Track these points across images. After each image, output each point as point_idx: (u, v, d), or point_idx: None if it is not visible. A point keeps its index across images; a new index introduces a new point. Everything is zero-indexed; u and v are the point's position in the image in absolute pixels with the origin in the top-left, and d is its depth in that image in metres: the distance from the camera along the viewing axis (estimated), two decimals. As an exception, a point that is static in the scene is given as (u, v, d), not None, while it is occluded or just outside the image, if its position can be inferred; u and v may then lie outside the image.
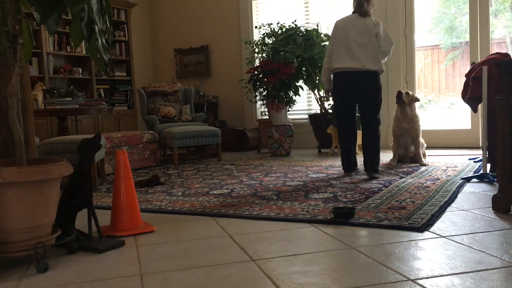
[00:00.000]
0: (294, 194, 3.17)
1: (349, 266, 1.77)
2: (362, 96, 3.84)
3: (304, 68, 5.86)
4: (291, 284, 1.61)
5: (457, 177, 3.60)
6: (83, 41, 1.90)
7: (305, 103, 6.81)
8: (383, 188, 3.25)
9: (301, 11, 6.76)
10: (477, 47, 5.55)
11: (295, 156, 5.66)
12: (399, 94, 4.41)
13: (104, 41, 1.96)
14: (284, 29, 5.99)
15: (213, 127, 5.67)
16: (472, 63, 4.04)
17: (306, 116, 6.47)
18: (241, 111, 7.25)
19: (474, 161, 4.45)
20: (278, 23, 6.12)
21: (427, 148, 5.03)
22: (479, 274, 1.62)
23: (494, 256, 1.80)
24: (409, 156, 4.54)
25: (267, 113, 6.54)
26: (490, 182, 3.35)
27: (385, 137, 5.98)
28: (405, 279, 1.61)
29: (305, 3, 6.75)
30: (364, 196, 3.02)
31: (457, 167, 4.14)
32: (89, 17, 1.88)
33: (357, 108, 3.99)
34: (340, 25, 3.91)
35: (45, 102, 4.99)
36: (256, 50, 6.30)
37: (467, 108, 4.80)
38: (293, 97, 5.95)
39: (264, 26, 6.23)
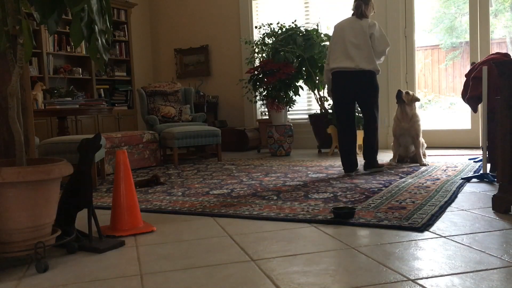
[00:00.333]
0: (294, 194, 3.17)
1: (349, 266, 1.77)
2: (359, 95, 4.01)
3: (304, 68, 5.86)
4: (291, 284, 1.61)
5: (457, 177, 3.60)
6: (83, 41, 1.89)
7: (305, 103, 6.81)
8: (383, 188, 3.25)
9: (301, 11, 6.76)
10: (477, 47, 5.55)
11: (295, 156, 5.66)
12: (399, 93, 4.41)
13: (104, 41, 1.96)
14: (284, 29, 5.99)
15: (213, 127, 5.67)
16: (472, 63, 4.04)
17: (306, 116, 6.48)
18: (241, 111, 7.25)
19: (474, 161, 4.45)
20: (278, 23, 6.12)
21: (427, 148, 5.03)
22: (479, 274, 1.62)
23: (494, 256, 1.80)
24: (409, 156, 4.54)
25: (267, 113, 6.54)
26: (490, 182, 3.35)
27: (385, 137, 5.98)
28: (405, 279, 1.61)
29: (305, 3, 6.75)
30: (364, 196, 3.02)
31: (457, 167, 4.14)
32: (89, 17, 1.88)
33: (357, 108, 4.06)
34: (339, 28, 4.08)
35: (45, 102, 4.99)
36: (256, 50, 6.30)
37: (467, 108, 4.80)
38: (293, 97, 5.95)
39: (264, 26, 6.23)
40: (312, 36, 5.78)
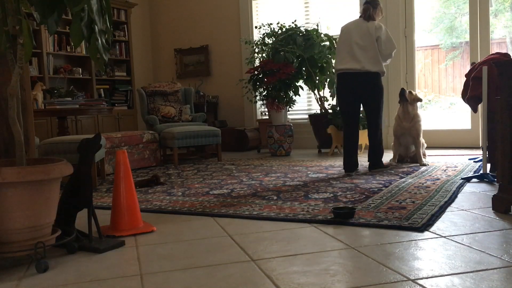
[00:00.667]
0: (294, 194, 3.17)
1: (349, 266, 1.77)
2: (364, 96, 4.03)
3: (304, 68, 5.86)
4: (291, 284, 1.61)
5: (457, 177, 3.60)
6: (83, 41, 1.89)
7: (305, 103, 6.81)
8: (383, 188, 3.25)
9: (301, 11, 6.76)
10: (477, 47, 5.55)
11: (295, 156, 5.66)
12: (402, 91, 4.40)
13: (104, 41, 1.96)
14: (284, 29, 5.99)
15: (213, 127, 5.67)
16: (472, 63, 4.04)
17: (306, 116, 6.48)
18: (241, 111, 7.25)
19: (474, 161, 4.45)
20: (278, 23, 6.12)
21: (427, 148, 5.03)
22: (479, 274, 1.62)
23: (494, 256, 1.80)
24: (409, 156, 4.54)
25: (267, 113, 6.55)
26: (490, 182, 3.35)
27: (386, 137, 5.98)
28: (405, 279, 1.61)
29: (305, 3, 6.75)
30: (364, 196, 3.02)
31: (457, 167, 4.14)
32: (89, 17, 1.88)
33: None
34: (345, 29, 4.11)
35: (45, 102, 4.99)
36: (256, 50, 6.30)
37: (467, 108, 4.80)
38: (293, 97, 5.95)
39: (264, 26, 6.23)
40: (312, 36, 5.78)
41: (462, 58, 6.79)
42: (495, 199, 2.55)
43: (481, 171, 3.55)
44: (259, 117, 7.15)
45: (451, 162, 4.49)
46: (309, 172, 4.18)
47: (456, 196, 2.92)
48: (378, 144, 4.09)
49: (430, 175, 3.74)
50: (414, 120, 4.39)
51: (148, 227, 2.45)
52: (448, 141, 5.88)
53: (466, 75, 3.91)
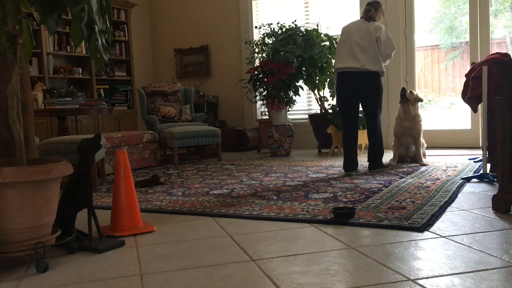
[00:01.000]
0: (294, 194, 3.17)
1: (349, 266, 1.77)
2: (363, 95, 4.04)
3: (304, 68, 5.86)
4: (291, 284, 1.61)
5: (457, 177, 3.60)
6: (83, 41, 1.89)
7: (305, 103, 6.81)
8: (383, 188, 3.25)
9: (301, 11, 6.76)
10: (477, 47, 5.55)
11: (295, 156, 5.66)
12: (403, 91, 4.40)
13: (104, 41, 1.96)
14: (284, 29, 5.99)
15: (213, 127, 5.67)
16: (472, 63, 4.04)
17: (306, 116, 6.47)
18: (241, 111, 7.25)
19: (474, 161, 4.45)
20: (278, 23, 6.12)
21: (427, 148, 5.03)
22: (479, 274, 1.62)
23: (494, 256, 1.80)
24: (409, 156, 4.53)
25: (267, 113, 6.54)
26: (490, 182, 3.35)
27: (386, 136, 5.98)
28: (405, 279, 1.61)
29: (305, 3, 6.75)
30: (364, 196, 3.02)
31: (457, 167, 4.14)
32: (89, 17, 1.88)
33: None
34: (346, 29, 4.14)
35: (45, 102, 4.99)
36: (256, 50, 6.30)
37: (467, 108, 4.80)
38: (293, 97, 5.95)
39: (264, 26, 6.23)
40: (312, 36, 5.78)
41: (462, 58, 6.80)
42: (495, 199, 2.55)
43: (481, 171, 3.55)
44: (259, 117, 7.15)
45: (451, 162, 4.49)
46: (309, 172, 4.18)
47: (456, 196, 2.92)
48: (378, 144, 4.10)
49: (430, 175, 3.74)
50: (414, 120, 4.38)
51: (148, 227, 2.45)
52: (448, 141, 5.88)
53: (466, 75, 3.91)
